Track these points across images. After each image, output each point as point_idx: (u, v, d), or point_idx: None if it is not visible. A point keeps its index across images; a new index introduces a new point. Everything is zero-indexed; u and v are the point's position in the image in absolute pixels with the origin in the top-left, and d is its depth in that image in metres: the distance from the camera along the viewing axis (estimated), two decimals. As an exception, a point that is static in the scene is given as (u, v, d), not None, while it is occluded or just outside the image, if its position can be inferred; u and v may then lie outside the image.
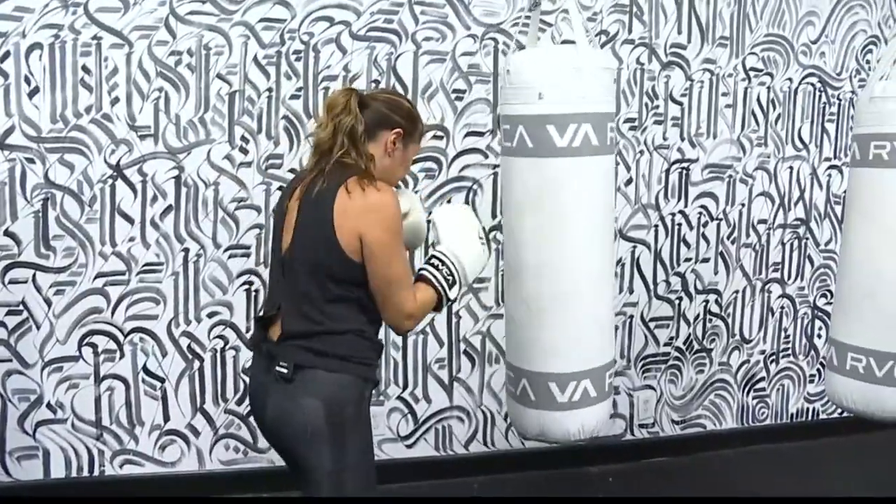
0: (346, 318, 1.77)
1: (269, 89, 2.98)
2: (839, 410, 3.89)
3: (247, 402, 3.02)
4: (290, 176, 3.00)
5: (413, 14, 3.07)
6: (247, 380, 3.04)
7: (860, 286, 2.66)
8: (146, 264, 2.92)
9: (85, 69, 2.79)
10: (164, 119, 2.88)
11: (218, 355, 3.02)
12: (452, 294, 1.89)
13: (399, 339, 3.16)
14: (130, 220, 2.89)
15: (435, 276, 1.87)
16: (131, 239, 2.90)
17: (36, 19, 2.73)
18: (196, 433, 3.03)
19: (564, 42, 3.21)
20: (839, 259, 2.85)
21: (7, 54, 2.72)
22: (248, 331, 3.02)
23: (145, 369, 2.96)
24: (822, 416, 3.88)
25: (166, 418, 3.00)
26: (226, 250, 2.99)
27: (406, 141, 1.89)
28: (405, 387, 3.22)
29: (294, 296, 1.78)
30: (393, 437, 3.23)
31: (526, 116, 2.21)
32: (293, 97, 3.00)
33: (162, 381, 2.98)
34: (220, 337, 3.02)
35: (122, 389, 2.95)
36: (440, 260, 1.89)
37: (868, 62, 3.69)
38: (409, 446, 3.25)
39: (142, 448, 2.99)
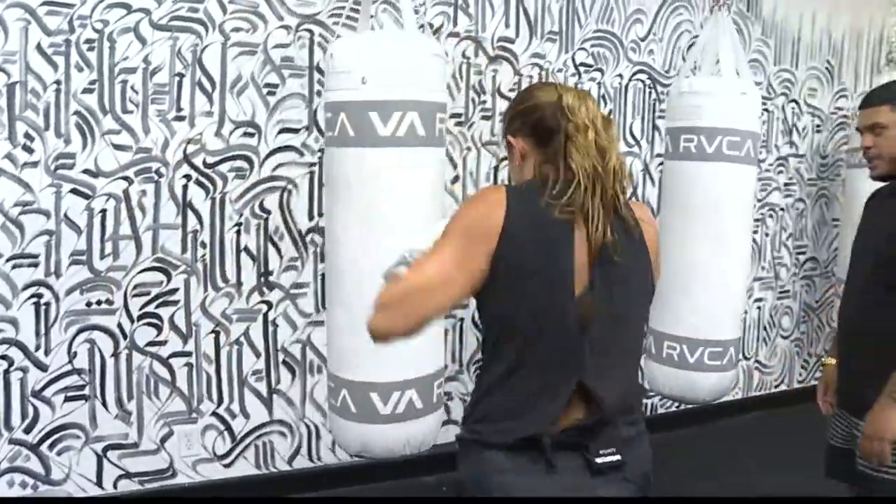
0: None
1: (58, 82, 2.69)
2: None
3: (37, 428, 2.76)
4: (84, 178, 2.75)
5: (220, 2, 2.86)
6: (36, 403, 2.75)
7: (676, 279, 2.70)
8: (-89, 278, 2.59)
9: None
10: (-74, 113, 2.57)
11: (1, 378, 2.71)
12: None
13: (211, 352, 2.94)
14: None
15: None
16: None
17: None
18: (-26, 469, 2.71)
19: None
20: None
21: None
22: (36, 349, 2.73)
23: (-88, 398, 2.62)
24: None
25: (-62, 454, 2.66)
26: (8, 260, 2.68)
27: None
28: (220, 402, 2.99)
29: None
30: (209, 457, 2.99)
31: (348, 103, 2.09)
32: (86, 91, 2.73)
33: (-69, 411, 2.64)
34: (3, 357, 2.70)
35: None
36: None
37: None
38: (226, 465, 3.02)
39: None
